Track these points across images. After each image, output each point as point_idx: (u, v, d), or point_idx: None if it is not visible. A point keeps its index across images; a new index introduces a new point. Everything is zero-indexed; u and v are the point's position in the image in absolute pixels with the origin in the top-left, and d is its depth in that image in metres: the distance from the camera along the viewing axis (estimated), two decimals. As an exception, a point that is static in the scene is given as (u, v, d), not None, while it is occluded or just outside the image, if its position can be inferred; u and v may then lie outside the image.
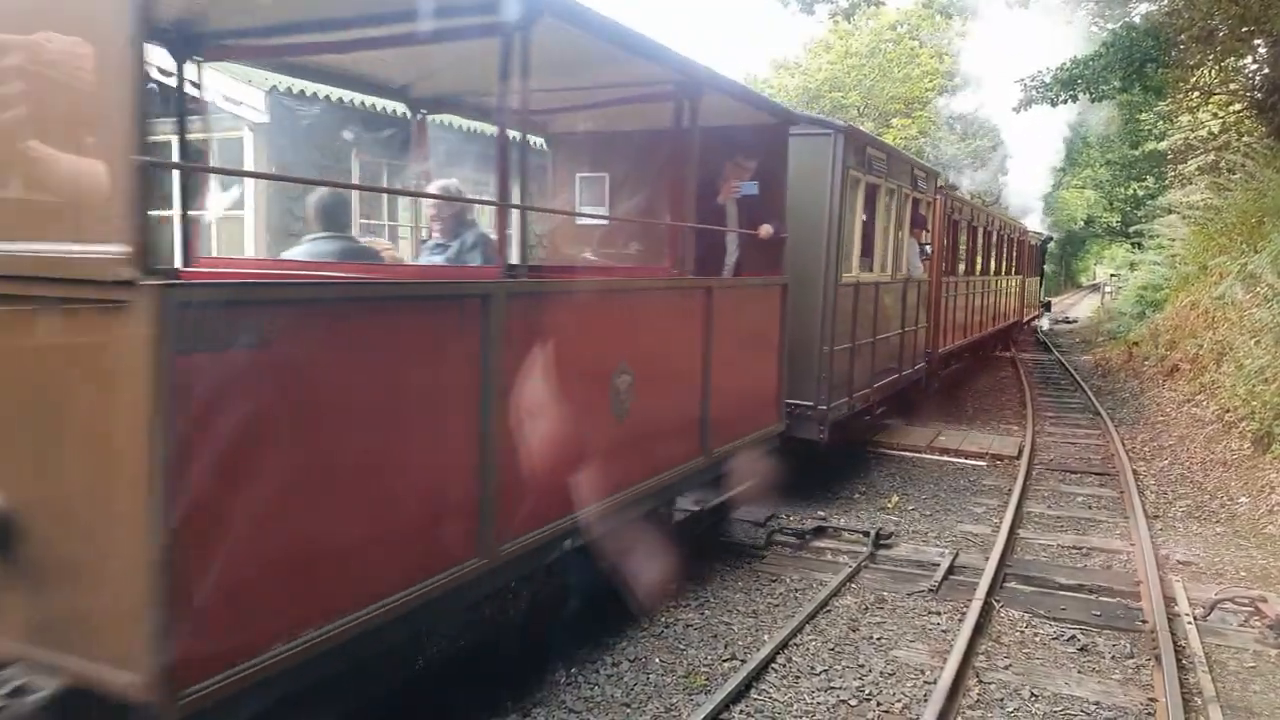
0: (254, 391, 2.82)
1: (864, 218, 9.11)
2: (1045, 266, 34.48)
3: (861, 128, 10.94)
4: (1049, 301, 35.16)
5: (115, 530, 2.53)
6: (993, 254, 19.04)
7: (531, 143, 6.40)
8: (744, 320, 6.50)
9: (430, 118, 6.34)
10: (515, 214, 4.94)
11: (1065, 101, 17.88)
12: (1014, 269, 22.41)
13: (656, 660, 5.24)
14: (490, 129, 8.33)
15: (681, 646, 5.44)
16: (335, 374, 3.15)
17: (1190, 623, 5.89)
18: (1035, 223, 34.98)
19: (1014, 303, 22.94)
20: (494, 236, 4.42)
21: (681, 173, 5.56)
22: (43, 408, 2.67)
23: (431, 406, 3.59)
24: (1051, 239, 39.28)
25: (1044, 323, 30.56)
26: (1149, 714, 4.78)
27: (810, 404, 8.03)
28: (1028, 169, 34.61)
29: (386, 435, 3.35)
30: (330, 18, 4.28)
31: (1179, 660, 5.28)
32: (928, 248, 12.08)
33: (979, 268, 17.45)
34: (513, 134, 4.26)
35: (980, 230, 17.17)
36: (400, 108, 6.46)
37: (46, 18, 2.64)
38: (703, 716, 4.44)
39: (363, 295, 3.43)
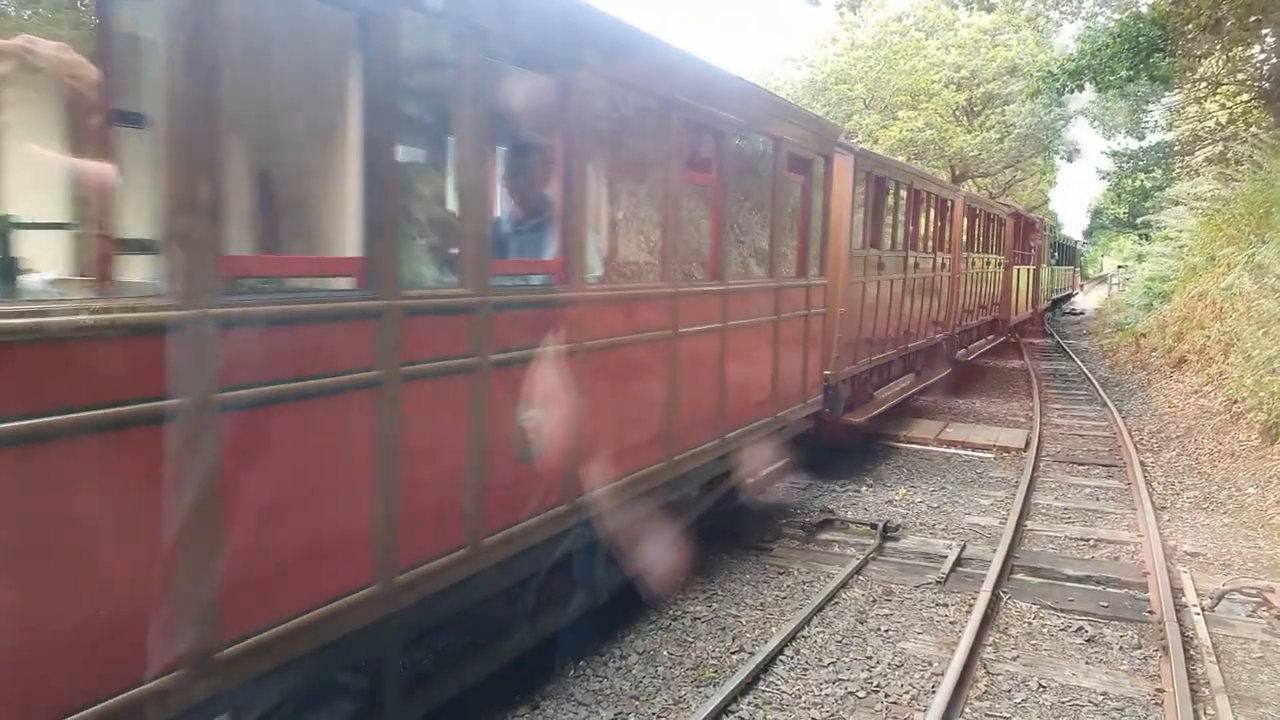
0: None
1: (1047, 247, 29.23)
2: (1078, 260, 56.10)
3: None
4: (1083, 284, 56.02)
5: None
6: (1062, 254, 37.52)
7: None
8: (1031, 278, 24.41)
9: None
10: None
11: (1072, 91, 17.86)
12: (1067, 262, 41.43)
13: (665, 653, 5.27)
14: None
15: (690, 639, 5.47)
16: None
17: (1198, 613, 5.90)
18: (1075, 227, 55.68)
19: (1069, 279, 42.97)
20: None
21: (1025, 240, 23.17)
22: None
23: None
24: (1085, 243, 60.18)
25: (1078, 297, 48.15)
26: (1156, 704, 4.79)
27: (1031, 310, 24.99)
28: (1076, 184, 53.49)
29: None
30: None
31: (1186, 651, 5.29)
32: (1055, 254, 33.24)
33: (1059, 261, 36.22)
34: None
35: (1062, 244, 37.62)
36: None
37: None
38: (711, 708, 4.47)
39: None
